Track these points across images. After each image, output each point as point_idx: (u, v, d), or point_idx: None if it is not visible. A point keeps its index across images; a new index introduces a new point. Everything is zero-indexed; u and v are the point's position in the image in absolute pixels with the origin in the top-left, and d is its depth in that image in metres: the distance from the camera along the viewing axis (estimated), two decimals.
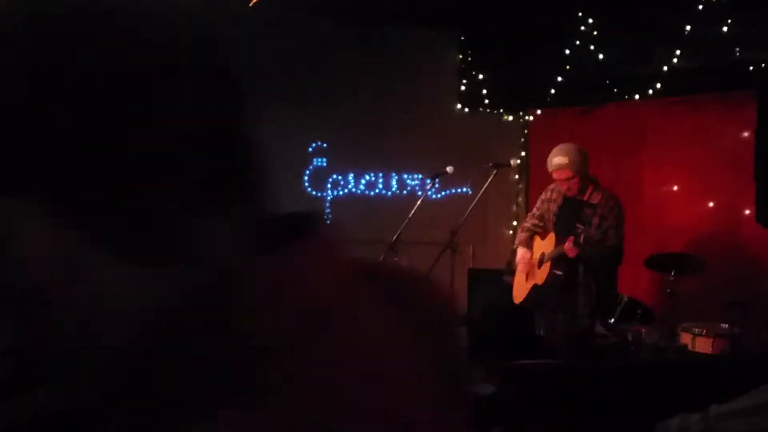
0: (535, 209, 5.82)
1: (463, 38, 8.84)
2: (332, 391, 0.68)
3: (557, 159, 5.46)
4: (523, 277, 5.67)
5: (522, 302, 5.64)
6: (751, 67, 6.69)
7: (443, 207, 8.06)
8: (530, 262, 5.63)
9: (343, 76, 8.47)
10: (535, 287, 5.49)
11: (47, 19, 0.67)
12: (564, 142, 5.67)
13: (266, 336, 0.68)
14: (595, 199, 5.37)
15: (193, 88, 0.74)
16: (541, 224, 5.67)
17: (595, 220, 5.28)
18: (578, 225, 5.25)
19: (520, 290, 5.70)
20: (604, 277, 5.38)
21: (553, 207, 5.59)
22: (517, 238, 5.89)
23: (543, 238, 5.61)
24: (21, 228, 0.66)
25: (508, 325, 6.72)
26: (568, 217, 5.44)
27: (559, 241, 5.31)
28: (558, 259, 5.31)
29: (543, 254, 5.48)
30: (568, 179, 5.43)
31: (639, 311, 6.60)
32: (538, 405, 3.03)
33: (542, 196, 5.78)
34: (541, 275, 5.43)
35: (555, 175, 5.51)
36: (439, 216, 7.29)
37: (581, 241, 5.19)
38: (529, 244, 5.69)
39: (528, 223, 5.80)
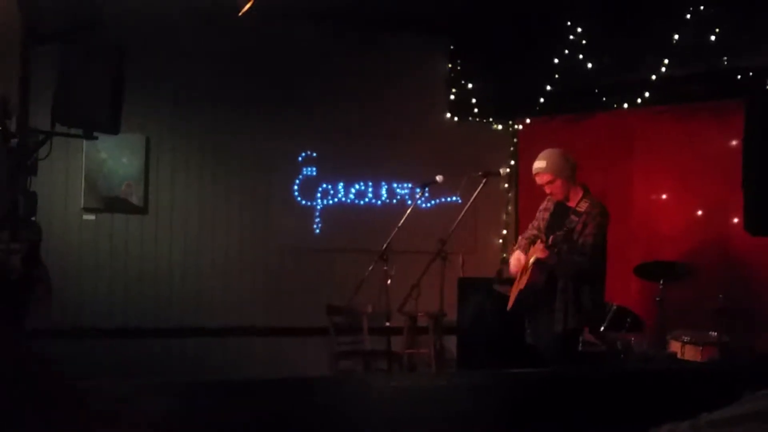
0: (534, 219, 5.83)
1: (452, 47, 8.85)
2: None
3: (536, 164, 5.51)
4: (516, 283, 5.68)
5: (511, 308, 5.64)
6: (739, 76, 6.72)
7: (433, 216, 8.06)
8: (522, 267, 5.63)
9: (332, 85, 8.48)
10: (519, 293, 5.50)
11: None
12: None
13: None
14: (583, 207, 5.38)
15: None
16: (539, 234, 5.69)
17: (579, 228, 5.29)
18: (557, 233, 5.25)
19: (512, 297, 5.71)
20: (586, 285, 5.36)
21: (546, 215, 5.61)
22: (517, 245, 5.90)
23: (535, 244, 5.63)
24: None
25: (498, 334, 6.72)
26: (555, 224, 5.45)
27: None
28: (537, 265, 5.32)
29: (529, 260, 5.50)
30: (548, 183, 5.46)
31: (628, 319, 6.62)
32: (527, 413, 3.03)
33: (540, 206, 5.80)
34: (524, 281, 5.45)
35: (537, 180, 5.54)
36: (429, 225, 7.29)
37: (550, 242, 5.20)
38: (527, 249, 5.69)
39: (528, 233, 5.81)
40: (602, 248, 5.41)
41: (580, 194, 5.47)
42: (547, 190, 5.53)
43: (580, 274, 5.30)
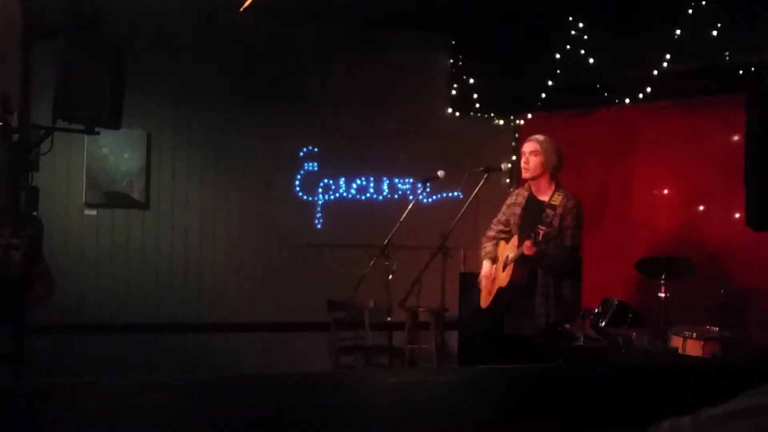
0: (500, 215, 5.82)
1: (454, 43, 8.85)
2: None
3: (535, 136, 5.56)
4: (490, 283, 5.67)
5: (488, 306, 5.63)
6: (741, 71, 6.71)
7: (434, 211, 8.07)
8: (492, 279, 5.63)
9: (334, 81, 8.48)
10: (500, 290, 5.49)
11: None
12: None
13: None
14: (557, 200, 5.39)
15: None
16: (507, 229, 5.68)
17: (555, 221, 5.30)
18: (539, 227, 5.26)
19: (486, 295, 5.70)
20: (567, 279, 5.36)
21: (518, 210, 5.61)
22: (482, 249, 5.87)
23: (507, 242, 5.63)
24: None
25: (499, 329, 6.71)
26: (530, 219, 5.45)
27: (521, 243, 5.32)
28: (520, 261, 5.32)
29: (507, 257, 5.49)
30: (532, 153, 5.48)
31: (630, 315, 6.61)
32: (529, 409, 3.03)
33: (507, 201, 5.79)
34: (504, 278, 5.44)
35: (524, 147, 5.57)
36: (430, 220, 7.29)
37: (540, 239, 5.21)
38: (495, 255, 5.70)
39: (492, 231, 5.80)
40: (580, 241, 5.45)
41: (553, 188, 5.48)
42: (522, 161, 5.54)
43: (564, 269, 5.32)
